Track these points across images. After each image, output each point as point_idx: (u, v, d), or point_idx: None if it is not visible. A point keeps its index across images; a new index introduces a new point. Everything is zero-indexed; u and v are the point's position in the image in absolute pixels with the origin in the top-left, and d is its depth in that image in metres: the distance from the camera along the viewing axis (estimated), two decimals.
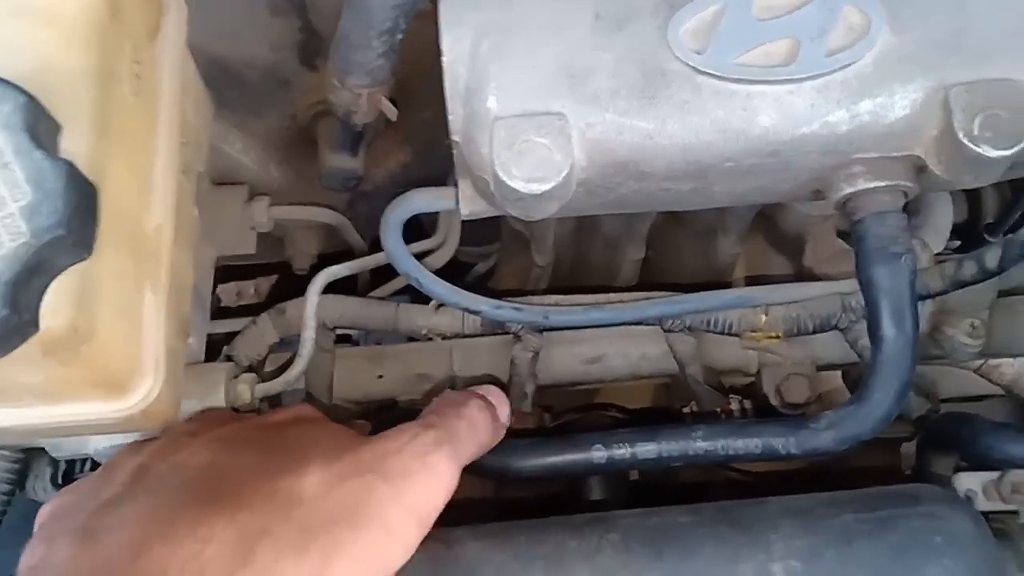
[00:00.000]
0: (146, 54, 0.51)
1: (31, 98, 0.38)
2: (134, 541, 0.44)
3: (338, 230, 0.80)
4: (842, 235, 0.81)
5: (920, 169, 0.58)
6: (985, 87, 0.55)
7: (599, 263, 0.90)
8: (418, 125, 0.74)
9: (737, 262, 0.88)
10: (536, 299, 0.75)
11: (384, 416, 0.65)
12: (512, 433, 0.61)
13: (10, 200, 0.37)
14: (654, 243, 0.88)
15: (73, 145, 0.41)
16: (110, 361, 0.46)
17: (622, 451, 0.60)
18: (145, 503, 0.47)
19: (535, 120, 0.54)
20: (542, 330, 0.76)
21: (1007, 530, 0.59)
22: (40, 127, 0.38)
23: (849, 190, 0.59)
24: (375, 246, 0.74)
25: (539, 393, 0.78)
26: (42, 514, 0.53)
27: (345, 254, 0.83)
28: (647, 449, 0.60)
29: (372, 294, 0.78)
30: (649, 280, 0.92)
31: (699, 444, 0.60)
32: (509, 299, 0.73)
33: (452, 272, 0.72)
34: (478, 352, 0.78)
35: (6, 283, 0.35)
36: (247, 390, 0.61)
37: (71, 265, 0.39)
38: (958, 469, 0.66)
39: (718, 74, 0.55)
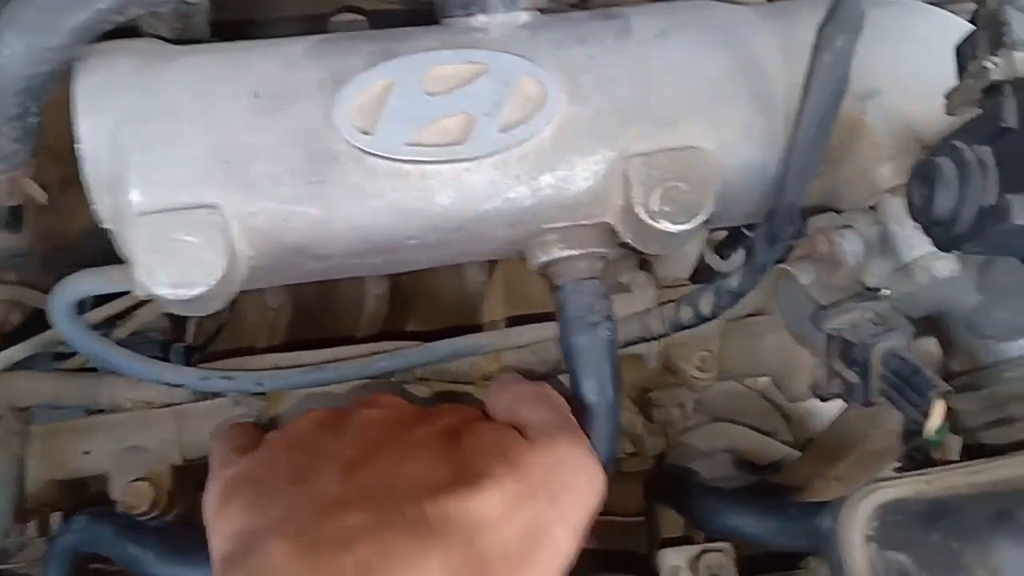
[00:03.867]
0: None
1: None
2: (360, 560, 0.44)
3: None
4: None
5: (616, 233, 0.57)
6: (665, 158, 0.53)
7: (345, 297, 0.86)
8: None
9: (489, 288, 0.86)
10: (255, 361, 0.70)
11: None
12: None
13: None
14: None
15: None
16: None
17: None
18: (363, 522, 0.46)
19: (183, 215, 0.49)
20: None
21: None
22: None
23: (544, 258, 0.57)
24: None
25: None
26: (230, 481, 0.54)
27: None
28: None
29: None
30: (405, 310, 0.89)
31: None
32: (221, 365, 0.69)
33: None
34: (200, 418, 0.72)
35: None
36: None
37: None
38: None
39: (388, 156, 0.51)
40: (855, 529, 0.46)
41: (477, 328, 0.84)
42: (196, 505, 0.74)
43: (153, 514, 0.71)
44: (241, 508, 0.51)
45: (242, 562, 0.46)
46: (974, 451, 0.59)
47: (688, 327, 0.69)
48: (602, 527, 0.75)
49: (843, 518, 0.46)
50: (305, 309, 0.85)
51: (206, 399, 0.71)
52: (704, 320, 0.67)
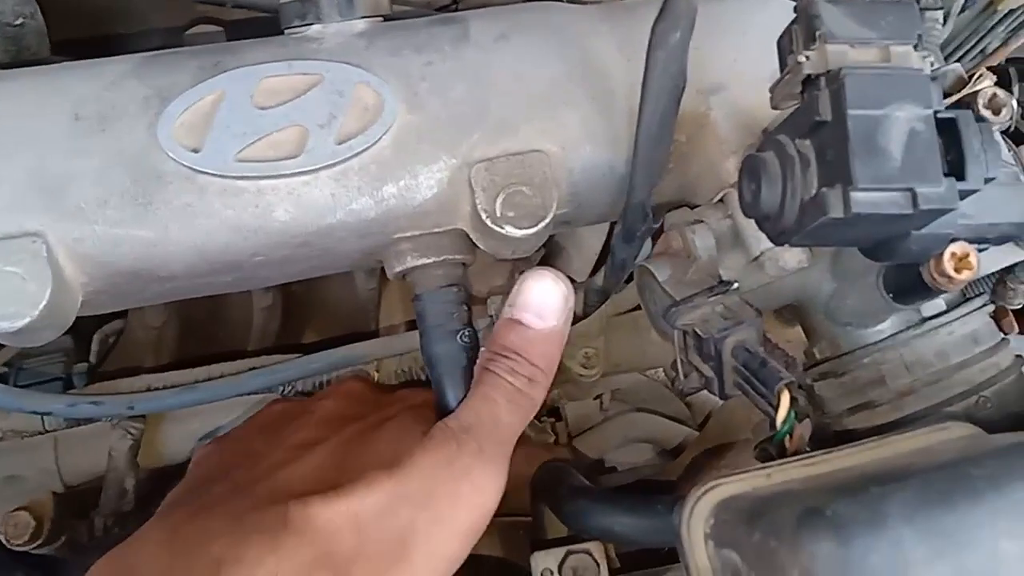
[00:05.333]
0: None
1: None
2: (214, 557, 0.45)
3: None
4: None
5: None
6: (507, 163, 0.53)
7: (235, 310, 0.85)
8: None
9: (385, 293, 0.86)
10: (127, 383, 0.69)
11: None
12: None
13: None
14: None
15: None
16: None
17: None
18: (226, 521, 0.48)
19: (5, 245, 0.48)
20: None
21: None
22: None
23: (400, 267, 0.56)
24: None
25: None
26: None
27: None
28: None
29: None
30: (300, 320, 0.89)
31: None
32: (93, 389, 0.68)
33: None
34: (79, 444, 0.71)
35: None
36: None
37: None
38: None
39: (218, 173, 0.50)
40: (697, 526, 0.46)
41: (374, 334, 0.84)
42: (82, 531, 0.73)
43: (36, 543, 0.70)
44: (176, 493, 0.56)
45: (127, 542, 0.49)
46: (841, 437, 0.60)
47: None
48: (504, 527, 0.75)
49: (685, 515, 0.46)
50: (195, 324, 0.85)
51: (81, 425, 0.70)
52: (577, 319, 0.67)
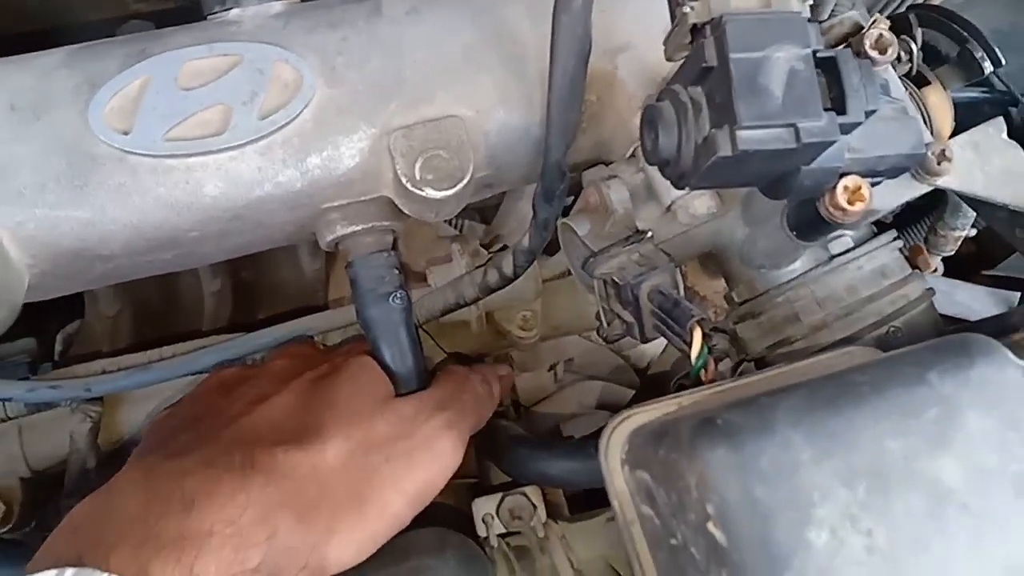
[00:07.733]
0: None
1: None
2: (187, 492, 0.48)
3: None
4: None
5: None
6: (424, 129, 0.56)
7: (187, 296, 0.87)
8: None
9: (333, 269, 0.88)
10: (83, 368, 0.72)
11: None
12: None
13: None
14: (250, 262, 0.87)
15: None
16: None
17: None
18: (198, 461, 0.51)
19: None
20: None
21: (528, 547, 0.62)
22: None
23: (331, 236, 0.59)
24: None
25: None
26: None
27: None
28: None
29: None
30: (251, 303, 0.91)
31: None
32: (51, 375, 0.70)
33: None
34: (44, 429, 0.74)
35: None
36: None
37: None
38: None
39: (148, 153, 0.53)
40: (614, 454, 0.49)
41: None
42: (52, 516, 0.75)
43: (7, 528, 0.72)
44: (141, 449, 0.59)
45: (107, 485, 0.51)
46: (759, 366, 0.63)
47: (496, 289, 0.71)
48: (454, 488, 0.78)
49: (603, 445, 0.49)
50: (149, 312, 0.87)
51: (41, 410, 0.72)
52: (509, 280, 0.70)
